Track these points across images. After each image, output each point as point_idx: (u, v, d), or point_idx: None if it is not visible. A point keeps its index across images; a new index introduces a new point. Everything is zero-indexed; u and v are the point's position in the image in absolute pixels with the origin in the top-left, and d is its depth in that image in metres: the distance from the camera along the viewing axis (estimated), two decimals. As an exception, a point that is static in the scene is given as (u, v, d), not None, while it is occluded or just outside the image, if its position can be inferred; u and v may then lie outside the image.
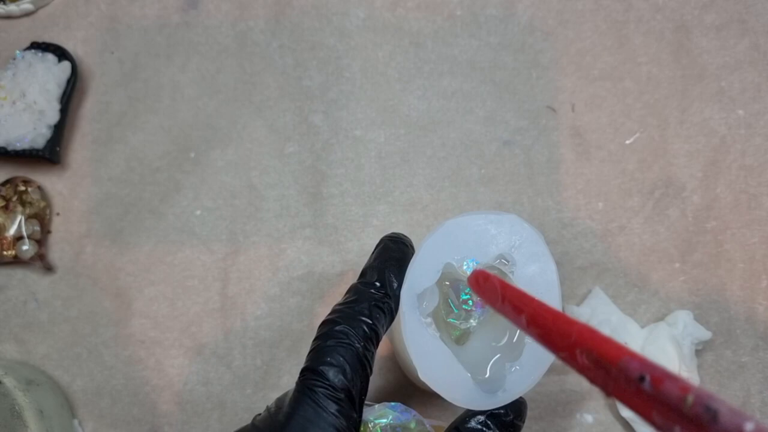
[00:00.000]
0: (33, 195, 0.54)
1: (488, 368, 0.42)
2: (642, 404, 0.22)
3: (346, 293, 0.38)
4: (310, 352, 0.36)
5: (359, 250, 0.54)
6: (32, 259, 0.53)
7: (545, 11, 0.58)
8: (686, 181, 0.55)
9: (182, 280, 0.54)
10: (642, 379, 0.22)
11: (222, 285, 0.54)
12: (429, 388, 0.39)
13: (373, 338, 0.36)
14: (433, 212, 0.55)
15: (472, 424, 0.39)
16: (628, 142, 0.56)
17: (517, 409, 0.40)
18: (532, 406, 0.52)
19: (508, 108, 0.56)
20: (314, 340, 0.36)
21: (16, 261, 0.53)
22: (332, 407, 0.33)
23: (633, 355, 0.23)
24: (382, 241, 0.41)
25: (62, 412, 0.51)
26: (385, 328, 0.38)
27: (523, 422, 0.40)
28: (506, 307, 0.34)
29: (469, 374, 0.39)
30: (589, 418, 0.52)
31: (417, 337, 0.38)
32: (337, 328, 0.36)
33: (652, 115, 0.56)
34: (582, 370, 0.25)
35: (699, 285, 0.54)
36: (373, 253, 0.41)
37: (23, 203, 0.54)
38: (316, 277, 0.54)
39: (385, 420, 0.40)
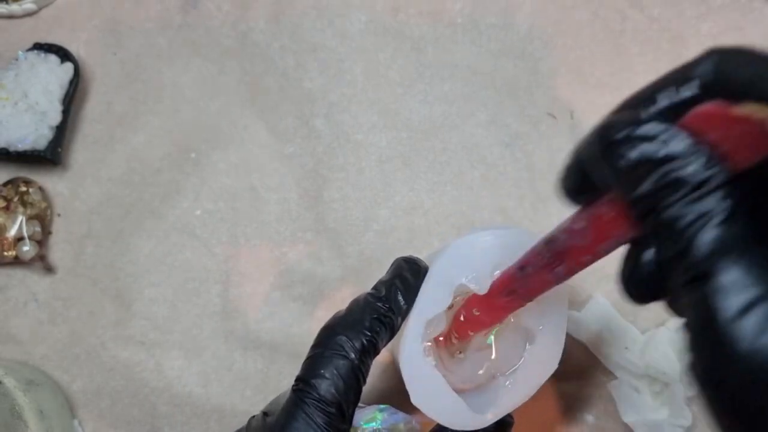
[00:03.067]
0: (34, 196, 0.54)
1: (487, 381, 0.42)
2: (538, 280, 0.33)
3: (352, 302, 0.38)
4: (306, 360, 0.36)
5: (360, 255, 0.55)
6: (33, 259, 0.53)
7: (544, 20, 0.59)
8: (683, 188, 0.56)
9: (183, 282, 0.54)
10: (522, 269, 0.34)
11: (223, 287, 0.54)
12: None
13: (371, 351, 0.36)
14: (434, 216, 0.55)
15: None
16: (625, 149, 0.57)
17: (501, 428, 0.41)
18: (533, 412, 0.52)
19: (509, 113, 0.57)
20: (312, 346, 0.37)
21: (17, 262, 0.53)
22: (322, 420, 0.34)
23: (513, 266, 0.35)
24: (396, 260, 0.41)
25: (62, 412, 0.51)
26: (384, 343, 0.38)
27: None
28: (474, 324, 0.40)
29: (461, 399, 0.39)
30: (590, 425, 0.53)
31: (414, 364, 0.38)
32: (336, 338, 0.36)
33: (650, 123, 0.57)
34: (515, 305, 0.37)
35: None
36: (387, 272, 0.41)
37: (24, 204, 0.53)
38: (317, 281, 0.54)
39: (374, 424, 0.41)
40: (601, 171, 0.26)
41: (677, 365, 0.49)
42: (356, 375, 0.35)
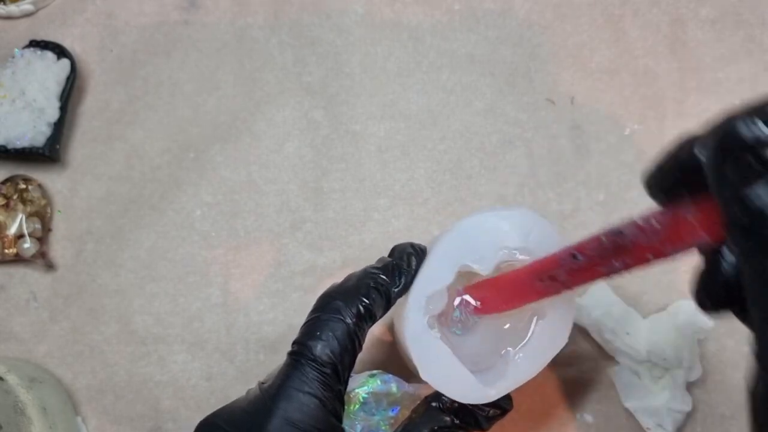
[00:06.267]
0: (33, 193, 0.54)
1: (494, 358, 0.42)
2: (588, 270, 0.32)
3: (350, 273, 0.40)
4: (304, 324, 0.38)
5: (360, 245, 0.54)
6: (33, 257, 0.53)
7: (542, 5, 0.58)
8: (685, 172, 0.56)
9: (183, 276, 0.54)
10: (574, 256, 0.32)
11: (224, 280, 0.54)
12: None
13: (367, 317, 0.37)
14: (434, 205, 0.55)
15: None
16: (626, 134, 0.56)
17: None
18: (535, 397, 0.52)
19: (507, 101, 0.57)
20: (311, 312, 0.38)
21: (18, 259, 0.53)
22: (318, 379, 0.35)
23: (563, 250, 0.33)
24: (395, 245, 0.42)
25: (65, 409, 0.51)
26: (381, 311, 0.39)
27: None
28: (490, 305, 0.40)
29: (469, 371, 0.39)
30: (591, 410, 0.52)
31: (419, 338, 0.39)
32: (333, 303, 0.37)
33: (650, 108, 0.57)
34: (549, 292, 0.35)
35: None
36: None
37: (24, 201, 0.54)
38: (317, 272, 0.54)
39: (366, 388, 0.41)
40: (713, 177, 0.24)
41: (678, 351, 0.49)
42: (352, 338, 0.36)
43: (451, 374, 0.39)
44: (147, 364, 0.53)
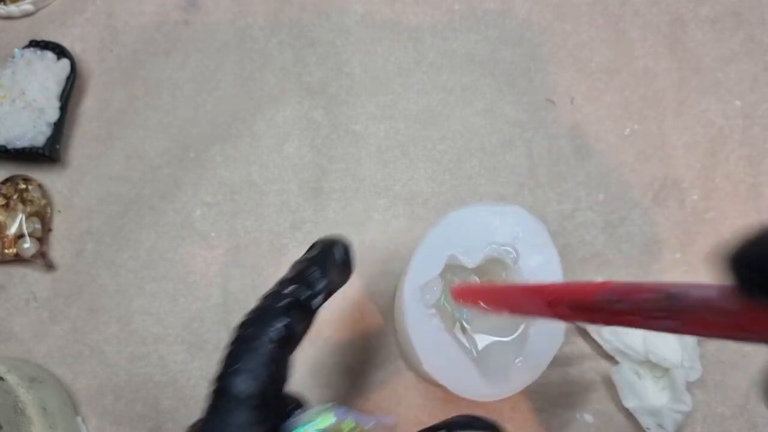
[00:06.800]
0: (33, 193, 0.54)
1: (488, 355, 0.42)
2: (631, 317, 0.27)
3: (262, 295, 0.36)
4: (221, 358, 0.34)
5: (360, 245, 0.54)
6: (33, 257, 0.53)
7: (543, 5, 0.58)
8: (685, 172, 0.56)
9: (183, 275, 0.54)
10: (620, 301, 0.27)
11: (224, 280, 0.54)
12: (433, 380, 0.39)
13: (287, 338, 0.34)
14: (434, 205, 0.55)
15: None
16: (626, 134, 0.56)
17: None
18: (535, 397, 0.52)
19: (507, 101, 0.57)
20: (227, 344, 0.35)
21: (18, 259, 0.53)
22: (242, 415, 0.32)
23: (602, 287, 0.28)
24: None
25: (65, 409, 0.51)
26: (303, 328, 0.35)
27: None
28: (488, 306, 0.38)
29: (473, 365, 0.39)
30: (591, 410, 0.52)
31: (421, 329, 0.39)
32: (248, 331, 0.34)
33: (650, 108, 0.57)
34: (567, 318, 0.31)
35: (700, 275, 0.54)
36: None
37: (24, 201, 0.54)
38: (317, 272, 0.54)
39: (317, 423, 0.36)
40: None
41: (678, 351, 0.49)
42: (276, 365, 0.33)
43: (455, 367, 0.39)
44: (147, 364, 0.53)
